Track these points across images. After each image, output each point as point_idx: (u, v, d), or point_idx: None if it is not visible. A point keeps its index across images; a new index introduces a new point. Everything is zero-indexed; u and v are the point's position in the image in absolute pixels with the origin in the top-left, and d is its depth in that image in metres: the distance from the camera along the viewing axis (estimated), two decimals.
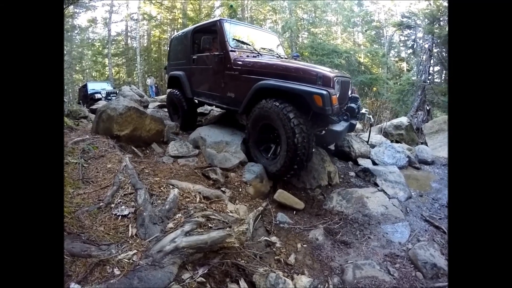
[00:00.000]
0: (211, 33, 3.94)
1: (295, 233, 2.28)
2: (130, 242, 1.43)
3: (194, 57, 4.41)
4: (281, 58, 4.20)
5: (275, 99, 2.83)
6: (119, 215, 1.69)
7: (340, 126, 2.91)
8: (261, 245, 1.86)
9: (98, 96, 10.37)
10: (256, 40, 4.28)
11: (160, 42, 23.08)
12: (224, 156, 3.13)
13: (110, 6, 19.15)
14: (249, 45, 4.01)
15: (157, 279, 1.18)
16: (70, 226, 1.55)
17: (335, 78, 2.78)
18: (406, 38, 14.43)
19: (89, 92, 10.99)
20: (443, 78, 13.53)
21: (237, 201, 2.54)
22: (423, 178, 3.60)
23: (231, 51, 3.59)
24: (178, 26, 21.29)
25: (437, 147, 5.83)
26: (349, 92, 3.67)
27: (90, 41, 22.23)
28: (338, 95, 2.76)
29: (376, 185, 3.23)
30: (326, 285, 1.71)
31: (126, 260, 1.26)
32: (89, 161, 2.70)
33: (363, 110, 3.74)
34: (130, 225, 1.57)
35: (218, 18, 3.95)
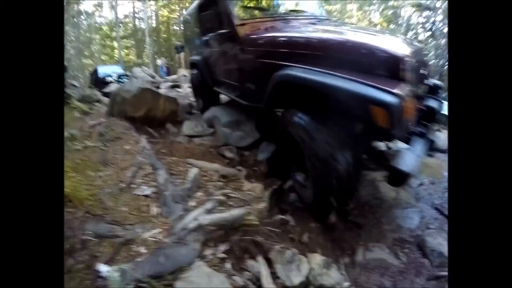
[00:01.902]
0: (217, 5, 2.94)
1: (309, 213, 2.29)
2: (154, 221, 1.47)
3: (205, 38, 3.58)
4: (319, 22, 2.81)
5: (297, 109, 1.87)
6: (141, 195, 1.72)
7: (412, 160, 1.58)
8: (277, 223, 1.87)
9: (109, 79, 10.43)
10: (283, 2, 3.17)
11: (168, 22, 22.70)
12: (239, 135, 3.12)
13: None
14: (267, 10, 2.99)
15: (182, 256, 1.21)
16: (94, 208, 1.59)
17: (409, 60, 1.50)
18: (425, 20, 13.68)
19: (100, 76, 11.06)
20: None
21: (252, 180, 2.55)
22: (436, 166, 3.49)
23: (239, 25, 2.62)
24: (187, 5, 20.82)
25: None
26: (425, 75, 2.17)
27: (97, 25, 22.10)
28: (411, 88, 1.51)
29: (382, 158, 2.84)
30: (338, 264, 1.75)
31: (151, 239, 1.30)
32: (106, 143, 2.75)
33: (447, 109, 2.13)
34: (153, 205, 1.60)
35: None
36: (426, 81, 2.16)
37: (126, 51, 23.07)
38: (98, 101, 4.98)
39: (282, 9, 3.04)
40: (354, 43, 1.69)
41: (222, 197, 1.64)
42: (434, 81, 2.18)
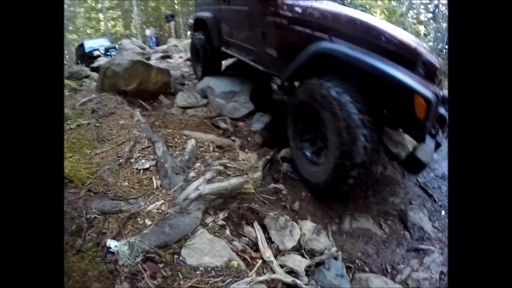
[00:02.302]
0: None
1: (300, 182, 2.34)
2: (156, 193, 1.52)
3: None
4: (345, 5, 2.78)
5: (334, 83, 1.84)
6: (140, 169, 1.76)
7: (428, 153, 1.79)
8: (270, 191, 1.97)
9: (96, 53, 10.01)
10: None
11: None
12: (233, 106, 3.13)
13: None
14: None
15: (186, 225, 1.28)
16: (96, 186, 1.63)
17: (441, 69, 1.84)
18: (428, 1, 13.18)
19: (86, 51, 10.58)
20: None
21: (246, 150, 2.61)
22: None
23: None
24: None
25: None
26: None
27: None
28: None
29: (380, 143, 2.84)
30: (326, 232, 1.88)
31: (155, 211, 1.36)
32: (100, 120, 2.72)
33: None
34: (153, 177, 1.65)
35: None
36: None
37: (112, 22, 21.97)
38: (87, 76, 4.85)
39: None
40: (400, 39, 1.79)
41: (220, 167, 1.68)
42: (444, 92, 2.25)
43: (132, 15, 19.39)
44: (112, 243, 1.19)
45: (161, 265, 1.16)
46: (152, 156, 1.89)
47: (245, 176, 1.64)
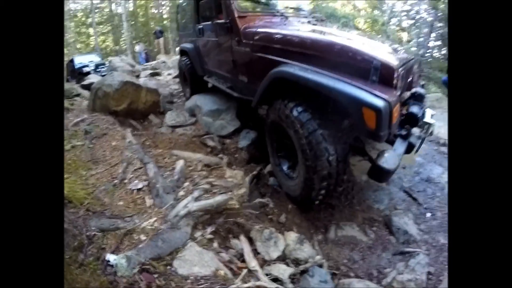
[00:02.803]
0: None
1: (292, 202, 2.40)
2: (149, 211, 1.68)
3: (200, 27, 3.51)
4: (316, 22, 2.93)
5: (294, 103, 1.96)
6: (134, 189, 1.92)
7: (394, 159, 1.75)
8: (256, 205, 2.10)
9: (86, 69, 9.98)
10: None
11: (146, 5, 21.74)
12: (220, 123, 3.31)
13: None
14: (267, 4, 2.94)
15: (177, 239, 1.45)
16: (93, 206, 1.76)
17: (400, 69, 1.74)
18: (409, 8, 13.79)
19: (76, 67, 10.52)
20: (442, 53, 13.07)
21: (234, 166, 2.75)
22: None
23: (240, 17, 2.60)
24: None
25: None
26: (412, 80, 2.42)
27: (71, 12, 20.81)
28: (399, 95, 1.74)
29: (363, 152, 2.83)
30: (312, 241, 1.99)
31: (149, 227, 1.52)
32: (93, 141, 2.87)
33: (429, 116, 2.22)
34: (146, 197, 1.81)
35: None
36: (412, 89, 2.35)
37: (102, 37, 22.08)
38: (78, 95, 4.95)
39: (281, 6, 3.02)
40: (352, 49, 1.79)
41: (206, 186, 1.86)
42: (419, 89, 2.37)
43: (122, 30, 19.53)
44: (111, 257, 1.33)
45: (155, 275, 1.31)
46: (144, 177, 2.04)
47: (230, 193, 1.82)
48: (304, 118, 1.84)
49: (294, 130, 1.90)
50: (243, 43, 2.54)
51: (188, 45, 4.09)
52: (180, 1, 4.55)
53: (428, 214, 2.46)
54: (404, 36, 16.77)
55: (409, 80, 2.29)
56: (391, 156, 1.75)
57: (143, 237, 1.46)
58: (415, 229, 2.23)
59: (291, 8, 3.12)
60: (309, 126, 1.81)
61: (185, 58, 4.25)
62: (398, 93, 1.69)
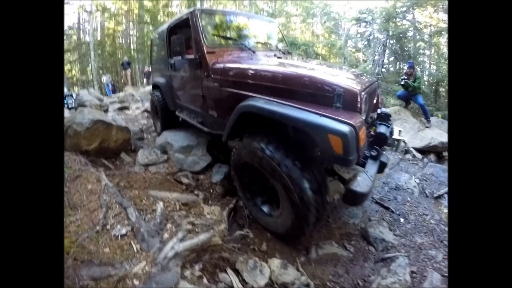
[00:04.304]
0: (187, 28, 2.99)
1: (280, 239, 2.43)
2: (137, 256, 1.78)
3: (171, 61, 3.63)
4: (282, 55, 3.10)
5: (261, 138, 2.01)
6: (118, 235, 2.01)
7: (366, 181, 1.80)
8: (237, 238, 2.25)
9: None
10: (248, 32, 3.30)
11: (114, 35, 21.54)
12: (192, 159, 3.45)
13: None
14: (236, 40, 3.07)
15: (169, 280, 1.59)
16: (80, 255, 1.80)
17: (363, 93, 1.82)
18: (364, 30, 15.24)
19: None
20: (396, 67, 14.59)
21: (210, 202, 2.87)
22: None
23: (209, 52, 2.70)
24: (134, 17, 20.05)
25: None
26: (376, 103, 2.56)
27: None
28: (365, 118, 1.84)
29: (333, 173, 2.97)
30: (295, 264, 2.11)
31: (141, 271, 1.64)
32: (67, 184, 2.86)
33: (397, 133, 2.41)
34: (132, 242, 1.92)
35: (192, 9, 2.94)
36: (378, 110, 2.54)
37: (69, 66, 21.25)
38: None
39: (250, 41, 3.17)
40: (314, 78, 1.90)
41: (189, 226, 2.02)
42: (384, 109, 2.56)
43: (89, 60, 19.07)
44: None
45: None
46: (126, 222, 2.12)
47: (212, 230, 2.00)
48: (278, 156, 1.87)
49: (270, 170, 1.92)
50: (211, 78, 2.64)
51: (160, 79, 4.20)
52: (154, 35, 4.65)
53: (402, 220, 2.71)
54: (360, 56, 18.28)
55: (374, 101, 2.41)
56: (363, 179, 1.80)
57: (136, 282, 1.58)
58: (391, 236, 2.43)
59: (260, 43, 3.30)
60: (286, 163, 1.83)
61: (157, 93, 4.36)
62: (363, 116, 1.78)
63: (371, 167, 1.97)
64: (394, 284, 1.87)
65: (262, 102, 1.99)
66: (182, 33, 2.98)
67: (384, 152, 2.27)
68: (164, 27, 3.88)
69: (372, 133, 2.28)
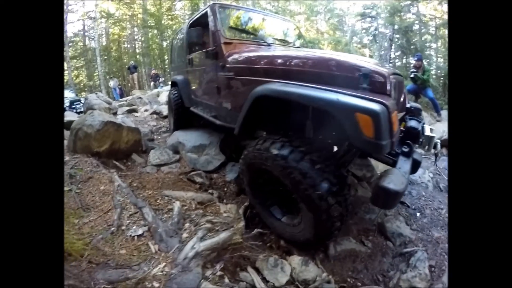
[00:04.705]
0: (207, 25, 2.99)
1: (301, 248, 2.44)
2: (156, 257, 1.69)
3: (190, 57, 3.71)
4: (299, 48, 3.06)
5: (279, 143, 1.80)
6: (134, 236, 1.92)
7: (400, 178, 1.52)
8: (256, 236, 2.18)
9: None
10: (267, 29, 3.31)
11: (119, 40, 21.96)
12: (205, 159, 3.40)
13: (66, 6, 17.55)
14: (253, 34, 3.09)
15: (190, 281, 1.49)
16: (95, 257, 1.72)
17: (391, 76, 1.60)
18: (369, 25, 15.13)
19: None
20: (403, 61, 14.42)
21: (224, 200, 2.81)
22: None
23: (225, 43, 2.67)
24: (138, 22, 20.34)
25: None
26: (406, 101, 2.36)
27: None
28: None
29: (354, 175, 3.03)
30: (314, 260, 2.07)
31: (160, 273, 1.54)
32: (79, 185, 2.81)
33: (428, 131, 2.15)
34: (149, 243, 1.83)
35: (211, 3, 2.99)
36: (407, 105, 2.37)
37: (76, 72, 21.67)
38: None
39: (266, 36, 3.13)
40: (338, 60, 1.72)
41: (208, 225, 1.93)
42: (414, 104, 2.38)
43: (96, 65, 19.42)
44: None
45: None
46: (142, 222, 2.05)
47: (232, 228, 1.90)
48: (295, 158, 1.69)
49: (286, 175, 1.73)
50: (227, 68, 2.56)
51: (178, 77, 4.32)
52: (174, 37, 4.90)
53: (418, 214, 2.68)
54: (367, 52, 18.11)
55: (401, 96, 2.18)
56: (396, 176, 1.52)
57: (156, 284, 1.48)
58: (408, 230, 2.41)
59: (277, 39, 3.26)
60: (303, 165, 1.66)
61: (174, 90, 4.43)
62: (393, 102, 1.51)
63: (404, 164, 1.73)
64: (414, 278, 1.85)
65: (278, 85, 1.83)
66: (201, 26, 2.97)
67: (416, 150, 2.07)
68: (184, 26, 4.03)
69: (402, 128, 2.03)
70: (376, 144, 1.33)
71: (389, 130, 1.35)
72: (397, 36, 12.66)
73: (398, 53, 14.24)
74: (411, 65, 7.39)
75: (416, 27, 12.73)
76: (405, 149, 1.82)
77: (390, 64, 13.04)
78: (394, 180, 1.48)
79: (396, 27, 12.01)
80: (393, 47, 13.08)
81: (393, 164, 1.78)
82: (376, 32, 14.16)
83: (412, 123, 2.04)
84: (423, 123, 2.20)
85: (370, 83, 1.50)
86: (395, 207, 2.49)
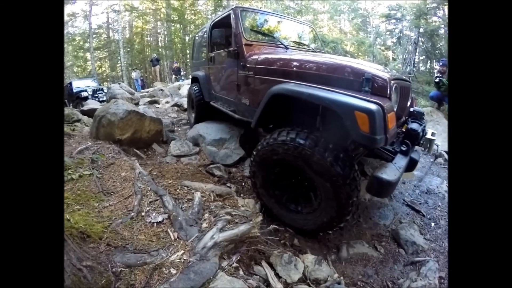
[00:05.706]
0: (229, 26, 3.23)
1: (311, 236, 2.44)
2: (175, 244, 1.69)
3: (212, 55, 3.96)
4: (315, 52, 3.34)
5: (296, 131, 2.03)
6: (153, 222, 1.93)
7: (393, 171, 1.79)
8: (271, 231, 2.17)
9: (84, 94, 10.10)
10: (285, 32, 3.59)
11: (142, 33, 22.55)
12: (225, 152, 3.41)
13: None
14: (272, 36, 3.30)
15: (208, 270, 1.48)
16: (113, 240, 1.74)
17: (393, 81, 1.85)
18: (393, 27, 14.78)
19: (74, 91, 10.65)
20: (428, 66, 14.00)
21: (242, 194, 2.82)
22: None
23: (246, 44, 2.92)
24: (161, 16, 20.76)
25: None
26: (410, 104, 2.57)
27: (70, 36, 21.13)
28: (395, 110, 1.84)
29: (364, 173, 3.11)
30: (326, 261, 2.07)
31: (178, 260, 1.54)
32: (101, 170, 2.86)
33: (430, 134, 2.39)
34: (169, 230, 1.83)
35: (233, 6, 3.23)
36: (410, 109, 2.56)
37: (99, 63, 22.39)
38: (78, 120, 4.90)
39: (284, 39, 3.38)
40: (344, 65, 1.99)
41: (228, 217, 1.91)
42: (417, 108, 2.59)
43: (118, 57, 19.94)
44: None
45: None
46: (162, 209, 2.06)
47: (251, 222, 1.88)
48: (311, 144, 1.91)
49: (306, 162, 1.93)
50: (247, 67, 2.81)
51: (199, 73, 4.56)
52: (197, 34, 5.17)
53: (432, 224, 2.63)
54: (390, 54, 17.63)
55: (407, 101, 2.44)
56: (390, 169, 1.80)
57: (173, 271, 1.48)
58: (422, 239, 2.38)
59: (294, 42, 3.47)
60: (319, 149, 1.88)
61: (195, 86, 4.63)
62: (393, 103, 1.79)
63: (400, 160, 1.97)
64: None
65: (292, 85, 2.11)
66: (224, 28, 3.20)
67: (415, 150, 2.26)
68: (207, 25, 4.27)
69: (403, 130, 2.28)
70: (370, 138, 1.58)
71: (384, 127, 1.59)
72: (422, 39, 12.31)
73: (423, 57, 13.84)
74: (436, 70, 7.14)
75: (442, 31, 12.29)
76: (404, 148, 2.08)
77: (414, 68, 12.66)
78: (388, 172, 1.75)
79: (421, 30, 11.66)
80: (417, 50, 12.73)
81: (391, 160, 1.96)
82: (401, 34, 13.81)
83: (413, 125, 2.25)
84: (424, 126, 2.41)
85: (372, 86, 1.77)
86: (387, 196, 2.80)
